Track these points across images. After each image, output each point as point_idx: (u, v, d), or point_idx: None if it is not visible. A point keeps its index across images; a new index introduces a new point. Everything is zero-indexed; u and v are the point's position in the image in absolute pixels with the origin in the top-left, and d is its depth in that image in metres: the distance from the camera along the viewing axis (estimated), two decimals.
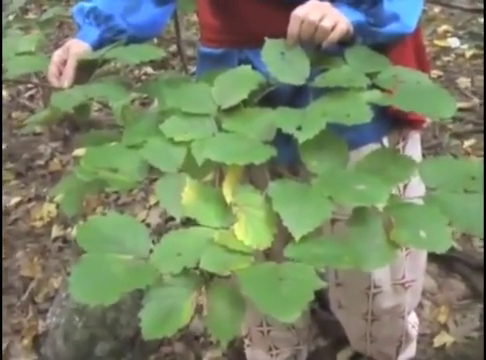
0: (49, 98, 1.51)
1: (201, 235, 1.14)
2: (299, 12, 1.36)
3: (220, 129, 1.31)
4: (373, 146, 1.58)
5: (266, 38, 1.41)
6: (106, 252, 1.14)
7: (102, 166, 1.28)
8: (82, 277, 1.09)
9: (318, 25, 1.34)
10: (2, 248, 3.23)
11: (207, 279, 1.11)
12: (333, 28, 1.35)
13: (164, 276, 1.09)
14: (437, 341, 2.47)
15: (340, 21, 1.36)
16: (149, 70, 4.75)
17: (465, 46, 4.71)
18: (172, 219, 3.04)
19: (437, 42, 4.77)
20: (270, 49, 1.40)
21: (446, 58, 4.58)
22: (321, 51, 1.43)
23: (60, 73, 1.56)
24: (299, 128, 1.22)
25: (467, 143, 3.60)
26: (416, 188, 1.60)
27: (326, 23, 1.34)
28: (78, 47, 1.57)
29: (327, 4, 1.38)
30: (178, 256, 1.10)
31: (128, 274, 1.08)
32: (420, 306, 2.52)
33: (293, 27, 1.37)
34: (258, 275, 1.06)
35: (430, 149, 3.51)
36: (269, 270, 1.07)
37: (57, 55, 1.57)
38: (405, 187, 1.70)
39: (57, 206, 3.41)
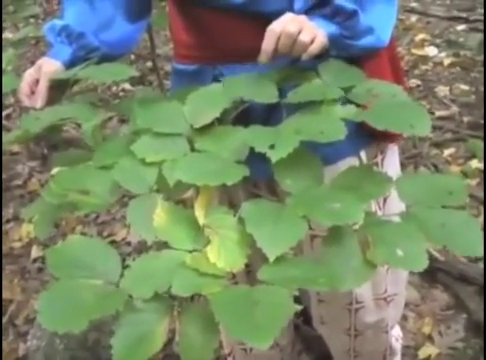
0: None
1: (173, 258, 1.11)
2: (276, 26, 1.33)
3: (193, 149, 1.29)
4: (351, 160, 1.57)
5: (222, 81, 1.42)
6: (76, 277, 1.11)
7: (72, 188, 1.26)
8: (50, 304, 1.06)
9: (296, 38, 1.32)
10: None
11: (181, 303, 1.08)
12: (312, 41, 1.33)
13: (135, 301, 1.06)
14: (422, 353, 2.47)
15: (318, 34, 1.34)
16: (127, 86, 4.73)
17: (443, 54, 4.74)
18: None
19: (415, 51, 4.79)
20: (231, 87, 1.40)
21: (424, 67, 4.60)
22: (294, 66, 1.42)
23: (32, 92, 1.53)
24: (272, 146, 1.19)
25: (447, 152, 3.61)
26: (396, 201, 1.58)
27: (305, 37, 1.32)
28: (50, 66, 1.55)
29: (303, 17, 1.36)
30: (149, 280, 1.08)
31: (97, 300, 1.06)
32: (404, 318, 2.51)
33: (268, 42, 1.34)
34: (230, 299, 1.03)
35: (410, 159, 3.52)
36: (242, 294, 1.05)
37: (29, 74, 1.55)
38: (385, 201, 1.68)
39: None
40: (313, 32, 1.33)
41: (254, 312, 1.00)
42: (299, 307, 1.02)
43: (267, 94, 1.36)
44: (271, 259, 1.08)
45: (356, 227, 1.13)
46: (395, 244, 1.11)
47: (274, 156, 1.18)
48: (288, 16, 1.35)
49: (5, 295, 3.06)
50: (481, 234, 1.16)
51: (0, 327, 2.84)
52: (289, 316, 1.01)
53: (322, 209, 1.14)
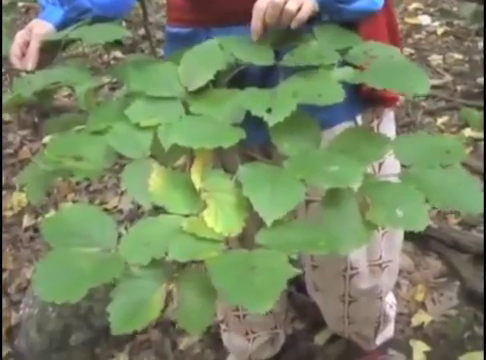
0: None
1: (170, 223, 1.10)
2: (262, 2, 1.32)
3: (188, 112, 1.27)
4: (347, 125, 1.55)
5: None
6: (72, 246, 1.10)
7: (66, 154, 1.24)
8: (46, 274, 1.05)
9: (283, 8, 1.31)
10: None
11: (178, 268, 1.07)
12: (299, 9, 1.32)
13: (132, 268, 1.05)
14: (415, 320, 2.47)
15: (305, 1, 1.32)
16: (118, 54, 4.68)
17: (436, 23, 4.71)
18: None
19: (408, 20, 4.76)
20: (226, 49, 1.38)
21: (417, 36, 4.58)
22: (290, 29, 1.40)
23: (23, 54, 1.51)
24: (269, 110, 1.18)
25: (440, 120, 3.60)
26: (392, 166, 1.58)
27: (291, 5, 1.31)
28: (41, 28, 1.52)
29: None
30: (146, 246, 1.06)
31: (94, 268, 1.04)
32: (397, 285, 2.51)
33: (256, 19, 1.34)
34: (228, 264, 1.02)
35: (403, 127, 3.51)
36: (240, 258, 1.03)
37: (20, 36, 1.52)
38: (380, 165, 1.67)
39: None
40: (299, 0, 1.32)
41: (252, 277, 0.99)
42: (298, 271, 1.01)
43: (263, 56, 1.34)
44: (268, 223, 1.06)
45: (355, 189, 1.12)
46: (394, 205, 1.10)
47: (271, 119, 1.16)
48: None
49: None
50: (481, 190, 1.15)
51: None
52: (287, 280, 1.00)
53: (321, 172, 1.13)
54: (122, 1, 1.67)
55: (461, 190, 1.15)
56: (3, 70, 3.97)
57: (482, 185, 1.16)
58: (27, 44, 1.50)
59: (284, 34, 1.38)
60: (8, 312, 2.78)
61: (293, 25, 1.33)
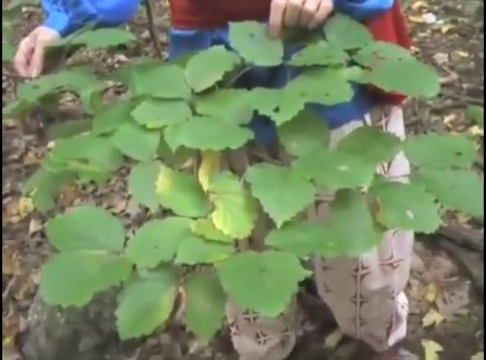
0: None
1: (177, 226, 1.08)
2: (280, 0, 1.31)
3: (194, 113, 1.25)
4: (355, 124, 1.54)
5: (230, 23, 1.37)
6: (78, 248, 1.08)
7: (72, 157, 1.22)
8: (53, 277, 1.03)
9: (302, 9, 1.30)
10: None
11: (187, 270, 1.06)
12: (317, 8, 1.31)
13: (140, 271, 1.04)
14: (426, 320, 2.46)
15: (323, 0, 1.31)
16: (122, 58, 4.67)
17: (441, 21, 4.69)
18: None
19: (412, 18, 4.74)
20: (237, 33, 1.36)
21: (422, 34, 4.56)
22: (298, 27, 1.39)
23: (28, 62, 1.50)
24: (277, 109, 1.16)
25: (447, 119, 3.58)
26: (401, 165, 1.56)
27: (310, 6, 1.30)
28: (46, 35, 1.51)
29: None
30: (154, 249, 1.05)
31: (101, 271, 1.03)
32: (408, 285, 2.49)
33: (275, 17, 1.32)
34: (238, 266, 1.00)
35: (410, 126, 3.48)
36: (250, 261, 1.02)
37: (25, 43, 1.51)
38: (389, 164, 1.66)
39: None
40: None
41: (263, 279, 0.97)
42: (309, 272, 0.99)
43: (270, 56, 1.33)
44: (279, 224, 1.05)
45: (364, 190, 1.10)
46: (405, 206, 1.08)
47: (279, 119, 1.14)
48: None
49: (4, 270, 3.03)
50: None
51: (0, 302, 2.82)
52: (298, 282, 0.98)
53: (329, 172, 1.11)
54: (127, 5, 1.66)
55: (470, 192, 1.14)
56: (7, 76, 3.97)
57: None
58: (32, 51, 1.49)
59: (293, 33, 1.37)
60: (16, 318, 2.77)
61: (311, 25, 1.33)
